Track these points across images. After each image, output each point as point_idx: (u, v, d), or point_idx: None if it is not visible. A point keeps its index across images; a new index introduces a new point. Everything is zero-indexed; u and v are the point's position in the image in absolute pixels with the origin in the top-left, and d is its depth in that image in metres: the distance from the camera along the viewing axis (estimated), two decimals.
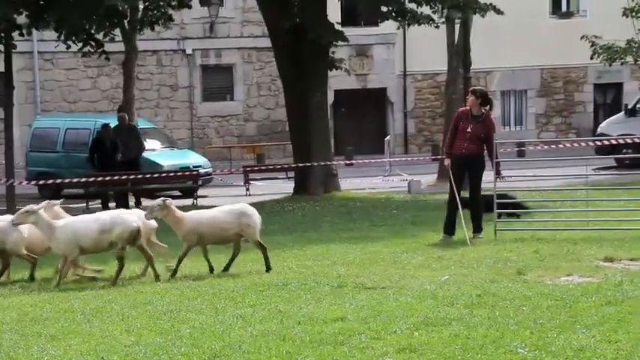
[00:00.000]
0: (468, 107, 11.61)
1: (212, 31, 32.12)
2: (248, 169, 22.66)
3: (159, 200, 9.83)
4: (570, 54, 32.02)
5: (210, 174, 22.92)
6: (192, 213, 10.15)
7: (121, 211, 10.26)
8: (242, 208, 10.14)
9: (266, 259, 9.93)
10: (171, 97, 32.06)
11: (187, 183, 20.69)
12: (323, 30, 19.10)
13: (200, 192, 20.51)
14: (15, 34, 18.77)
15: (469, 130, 11.35)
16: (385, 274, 9.23)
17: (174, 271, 9.79)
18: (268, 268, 9.84)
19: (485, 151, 11.46)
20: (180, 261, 9.86)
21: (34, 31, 21.86)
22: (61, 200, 10.83)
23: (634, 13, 21.55)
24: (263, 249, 10.00)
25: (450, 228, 11.53)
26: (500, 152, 22.45)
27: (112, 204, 18.76)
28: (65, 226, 9.49)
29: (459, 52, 22.29)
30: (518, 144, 26.77)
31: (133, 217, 9.77)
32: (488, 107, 11.59)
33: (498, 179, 11.56)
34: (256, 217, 10.05)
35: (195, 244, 9.90)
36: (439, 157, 21.87)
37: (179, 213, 9.87)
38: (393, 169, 25.56)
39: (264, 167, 23.72)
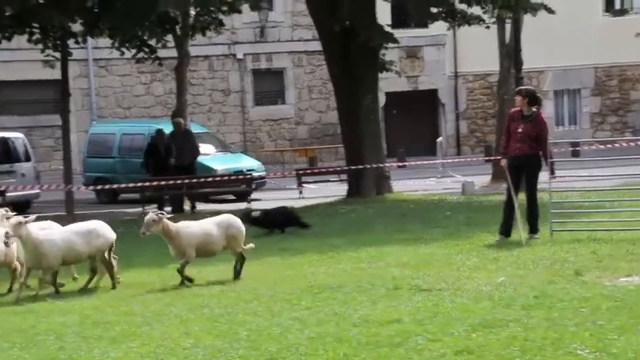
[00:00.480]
0: (519, 108, 11.52)
1: (262, 36, 32.30)
2: (301, 172, 22.71)
3: (152, 215, 9.56)
4: (625, 52, 31.54)
5: (263, 177, 23.02)
6: (184, 226, 9.76)
7: (96, 222, 9.92)
8: (229, 219, 9.98)
9: (240, 268, 9.81)
10: (223, 102, 32.30)
11: (241, 187, 20.79)
12: (373, 32, 19.08)
13: (253, 195, 20.59)
14: (70, 42, 19.10)
15: (520, 130, 11.29)
16: (440, 276, 9.17)
17: (183, 281, 9.53)
18: (237, 276, 9.70)
19: (541, 151, 11.37)
20: (183, 274, 9.56)
21: (89, 39, 22.22)
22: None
23: None
24: (243, 260, 9.92)
25: (505, 229, 11.44)
26: (555, 152, 22.26)
27: (167, 208, 18.98)
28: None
29: (510, 52, 22.10)
30: (573, 144, 26.42)
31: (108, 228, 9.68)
32: (537, 106, 11.47)
33: (553, 179, 11.46)
34: (242, 228, 10.01)
35: (194, 257, 9.69)
36: (492, 157, 21.69)
37: (174, 226, 9.60)
38: (445, 171, 25.41)
39: (316, 170, 23.75)
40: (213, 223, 9.93)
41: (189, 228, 9.78)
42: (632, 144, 20.37)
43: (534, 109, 11.41)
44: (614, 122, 33.84)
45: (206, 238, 9.75)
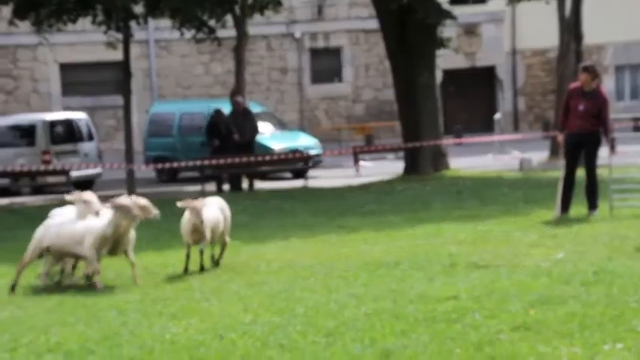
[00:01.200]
0: (579, 84, 11.29)
1: (320, 14, 32.20)
2: (357, 149, 22.65)
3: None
4: None
5: (320, 155, 23.03)
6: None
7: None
8: (222, 204, 9.56)
9: (219, 257, 9.49)
10: (281, 81, 32.36)
11: (298, 165, 20.85)
12: (430, 9, 18.89)
13: (310, 173, 20.63)
14: (132, 24, 19.31)
15: (581, 108, 11.09)
16: (497, 253, 9.09)
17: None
18: (203, 268, 9.16)
19: (602, 128, 11.15)
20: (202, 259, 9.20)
21: (150, 20, 22.44)
22: None
23: None
24: (225, 245, 9.60)
25: (565, 205, 11.25)
26: (616, 128, 21.82)
27: (226, 186, 19.14)
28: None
29: (570, 27, 21.64)
30: (634, 119, 25.84)
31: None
32: (597, 80, 11.23)
33: (613, 155, 11.24)
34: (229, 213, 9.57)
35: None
36: (550, 133, 21.35)
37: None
38: (503, 148, 25.09)
39: (373, 148, 23.68)
40: (215, 206, 9.45)
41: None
42: None
43: (594, 85, 11.18)
44: None
45: (218, 222, 9.45)
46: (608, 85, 32.26)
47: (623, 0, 30.42)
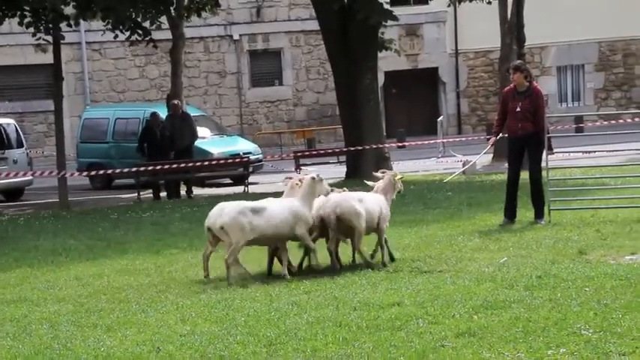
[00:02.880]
0: (512, 85, 11.44)
1: (259, 16, 32.17)
2: (299, 154, 22.65)
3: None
4: (630, 25, 31.42)
5: (260, 160, 22.97)
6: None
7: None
8: None
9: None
10: (219, 84, 32.23)
11: (238, 170, 20.77)
12: (372, 10, 19.00)
13: (251, 179, 20.58)
14: (62, 25, 19.02)
15: (518, 109, 11.20)
16: (441, 258, 9.18)
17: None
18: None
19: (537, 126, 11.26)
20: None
21: (82, 21, 22.13)
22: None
23: None
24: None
25: (511, 212, 11.34)
26: (558, 129, 22.26)
27: (163, 194, 18.96)
28: None
29: (512, 28, 21.99)
30: (576, 119, 26.35)
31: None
32: (530, 79, 11.39)
33: (550, 155, 11.36)
34: None
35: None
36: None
37: None
38: (446, 150, 25.36)
39: (314, 152, 23.68)
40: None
41: None
42: (636, 119, 20.35)
43: (527, 83, 11.34)
44: (619, 98, 33.76)
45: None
46: (550, 86, 32.89)
47: (565, 1, 31.01)
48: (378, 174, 9.56)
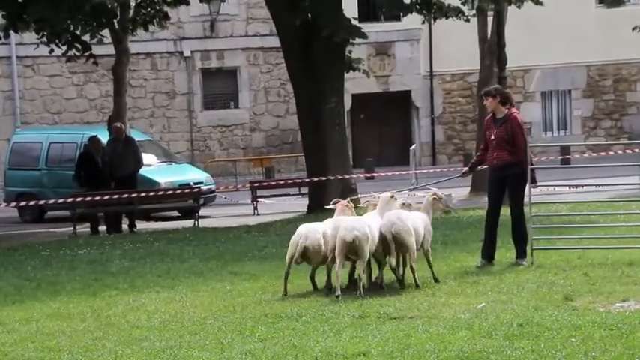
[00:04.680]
0: (490, 112, 11.57)
1: (213, 31, 32.24)
2: (255, 185, 22.67)
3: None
4: (621, 47, 31.94)
5: (213, 191, 22.93)
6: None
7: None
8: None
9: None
10: (167, 106, 32.17)
11: (187, 202, 20.71)
12: (338, 26, 19.14)
13: (202, 212, 20.53)
14: None
15: (493, 137, 11.33)
16: (413, 302, 9.20)
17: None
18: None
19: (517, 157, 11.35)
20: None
21: (13, 34, 22.02)
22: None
23: None
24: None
25: (488, 252, 11.39)
26: (542, 160, 22.52)
27: (102, 227, 18.82)
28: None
29: (493, 49, 22.26)
30: (562, 150, 26.67)
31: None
32: (509, 105, 11.52)
33: (534, 188, 11.43)
34: None
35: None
36: None
37: None
38: (419, 182, 25.49)
39: (273, 183, 23.72)
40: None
41: None
42: (628, 151, 20.66)
43: (506, 110, 11.45)
44: (609, 127, 34.20)
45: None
46: (533, 113, 33.30)
47: (551, 20, 31.46)
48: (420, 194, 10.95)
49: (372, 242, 9.76)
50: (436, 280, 10.21)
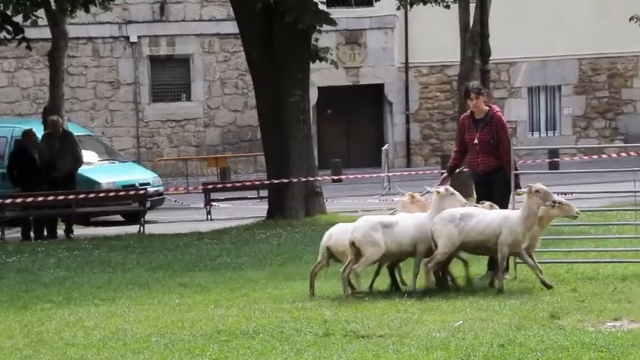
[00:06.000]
0: (469, 111, 11.63)
1: (163, 14, 32.15)
2: (209, 187, 22.62)
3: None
4: (616, 40, 32.23)
5: (161, 193, 22.85)
6: None
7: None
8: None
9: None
10: (111, 97, 32.03)
11: (132, 205, 20.64)
12: (304, 11, 19.14)
13: (148, 216, 20.46)
14: None
15: (476, 140, 11.41)
16: (383, 319, 9.22)
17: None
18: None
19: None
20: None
21: None
22: None
23: None
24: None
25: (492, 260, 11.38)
26: (528, 164, 22.67)
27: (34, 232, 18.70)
28: None
29: (475, 39, 22.38)
30: (551, 153, 26.85)
31: None
32: (488, 104, 11.60)
33: (517, 195, 11.52)
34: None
35: None
36: None
37: None
38: (392, 186, 25.59)
39: (229, 185, 23.68)
40: None
41: None
42: (623, 154, 20.86)
43: (487, 108, 11.54)
44: (602, 127, 34.51)
45: None
46: (519, 111, 33.54)
47: (539, 8, 31.70)
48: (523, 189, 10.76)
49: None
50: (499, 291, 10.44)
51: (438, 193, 10.60)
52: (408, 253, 10.64)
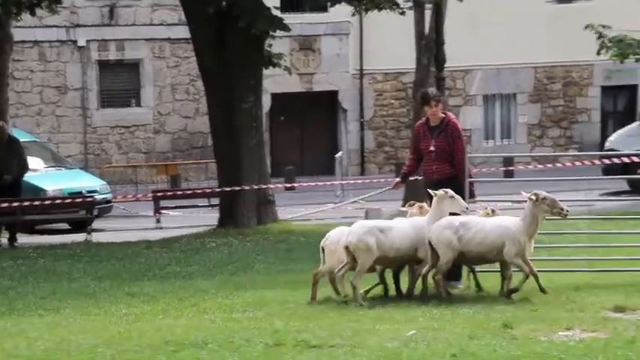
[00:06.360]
0: (424, 118, 11.72)
1: (112, 18, 32.01)
2: (159, 194, 22.55)
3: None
4: (572, 48, 32.56)
5: (109, 201, 22.74)
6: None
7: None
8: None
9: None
10: (57, 102, 31.82)
11: (79, 213, 20.53)
12: (256, 16, 19.16)
13: (95, 224, 20.34)
14: None
15: (432, 147, 11.49)
16: (335, 329, 9.23)
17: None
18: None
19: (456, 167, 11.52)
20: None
21: None
22: None
23: None
24: None
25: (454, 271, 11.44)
26: (482, 172, 22.82)
27: None
28: None
29: (430, 46, 22.52)
30: (506, 161, 27.05)
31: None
32: (443, 110, 11.71)
33: (472, 203, 11.60)
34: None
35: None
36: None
37: None
38: (346, 195, 25.65)
39: (179, 192, 23.64)
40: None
41: None
42: (577, 163, 21.05)
43: (442, 115, 11.63)
44: (557, 136, 34.83)
45: None
46: (474, 119, 33.76)
47: (495, 15, 31.93)
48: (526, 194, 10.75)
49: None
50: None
51: (435, 195, 10.65)
52: (407, 258, 10.68)
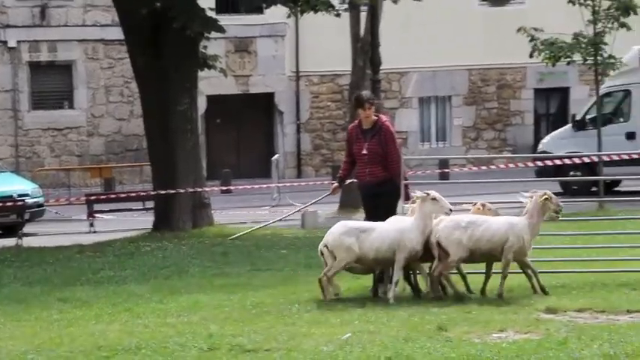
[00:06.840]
0: (357, 121, 11.78)
1: (44, 18, 31.71)
2: (92, 198, 22.37)
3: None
4: (505, 51, 32.86)
5: (41, 205, 22.52)
6: None
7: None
8: None
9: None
10: None
11: (10, 217, 20.31)
12: (191, 17, 19.10)
13: (27, 229, 20.13)
14: None
15: (365, 151, 11.54)
16: (270, 333, 9.25)
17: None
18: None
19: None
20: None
21: None
22: None
23: (582, 0, 22.30)
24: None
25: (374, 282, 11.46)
26: (418, 174, 22.98)
27: None
28: None
29: (366, 49, 22.64)
30: (441, 163, 27.26)
31: None
32: (376, 113, 11.79)
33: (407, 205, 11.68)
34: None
35: None
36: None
37: None
38: (282, 198, 25.66)
39: (113, 195, 23.48)
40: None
41: None
42: (511, 165, 21.30)
43: (375, 118, 11.70)
44: (491, 139, 35.15)
45: None
46: (410, 121, 33.96)
47: (430, 18, 32.13)
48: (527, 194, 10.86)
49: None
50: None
51: (418, 198, 10.71)
52: (387, 259, 10.78)
